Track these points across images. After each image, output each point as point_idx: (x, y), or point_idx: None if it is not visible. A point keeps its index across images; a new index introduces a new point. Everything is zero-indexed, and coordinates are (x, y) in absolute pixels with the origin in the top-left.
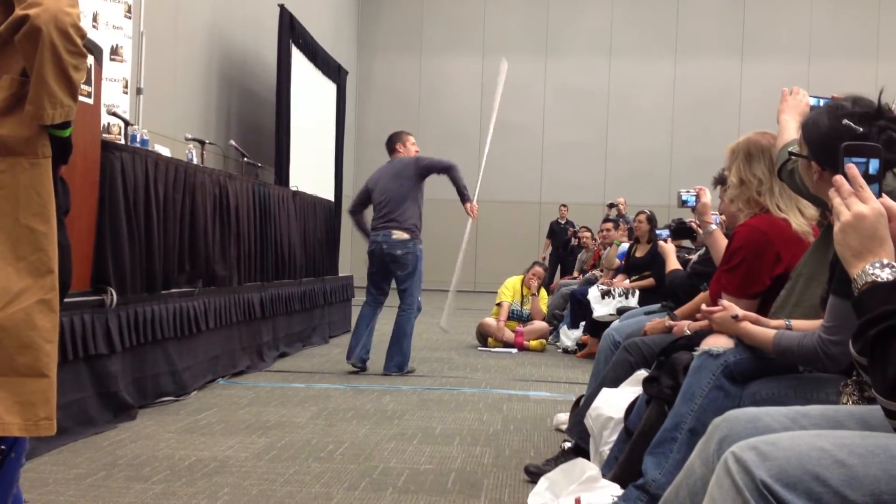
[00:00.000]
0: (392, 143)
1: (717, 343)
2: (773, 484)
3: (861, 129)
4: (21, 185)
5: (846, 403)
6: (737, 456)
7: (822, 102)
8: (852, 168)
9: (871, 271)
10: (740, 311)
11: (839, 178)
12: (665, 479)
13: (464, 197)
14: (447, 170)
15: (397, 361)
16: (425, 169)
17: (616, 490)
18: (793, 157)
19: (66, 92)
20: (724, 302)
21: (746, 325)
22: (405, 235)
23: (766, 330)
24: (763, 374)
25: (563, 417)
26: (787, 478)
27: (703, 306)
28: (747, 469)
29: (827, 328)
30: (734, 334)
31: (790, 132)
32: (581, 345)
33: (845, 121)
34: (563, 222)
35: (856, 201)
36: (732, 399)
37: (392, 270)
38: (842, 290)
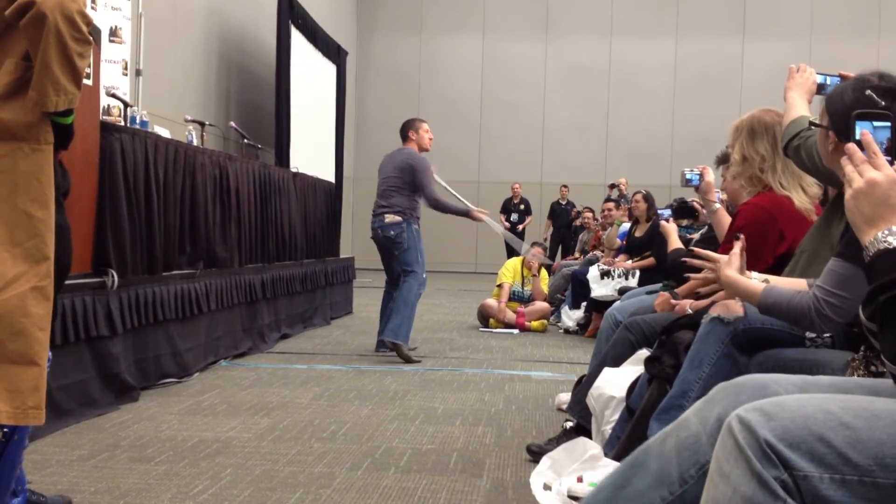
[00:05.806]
0: (405, 130)
1: (728, 310)
2: (776, 443)
3: (883, 103)
4: (21, 171)
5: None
6: (741, 417)
7: (829, 80)
8: (867, 134)
9: (883, 238)
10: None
11: (851, 145)
12: None
13: (464, 212)
14: (431, 204)
15: (393, 325)
16: (418, 182)
17: None
18: (801, 134)
19: (70, 79)
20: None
21: (733, 274)
22: (397, 218)
23: (755, 283)
24: (771, 344)
25: (565, 397)
26: (790, 438)
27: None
28: (751, 429)
29: (824, 290)
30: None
31: (797, 109)
32: (582, 325)
33: (868, 91)
34: (564, 203)
35: (868, 168)
36: (740, 368)
37: (392, 252)
38: (846, 254)
